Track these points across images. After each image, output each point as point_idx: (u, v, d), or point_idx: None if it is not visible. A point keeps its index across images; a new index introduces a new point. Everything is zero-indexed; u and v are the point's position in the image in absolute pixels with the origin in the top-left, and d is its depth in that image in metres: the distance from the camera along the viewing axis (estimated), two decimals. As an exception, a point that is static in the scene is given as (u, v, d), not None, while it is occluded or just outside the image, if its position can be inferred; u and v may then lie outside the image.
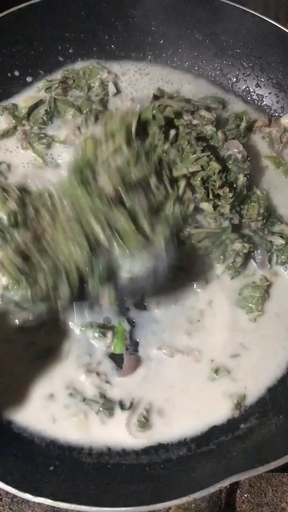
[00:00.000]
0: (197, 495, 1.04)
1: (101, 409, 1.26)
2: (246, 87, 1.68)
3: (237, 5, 1.55)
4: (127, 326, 1.35)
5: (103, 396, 1.28)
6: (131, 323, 1.36)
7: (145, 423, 1.25)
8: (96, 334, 1.32)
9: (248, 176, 1.42)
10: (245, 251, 1.39)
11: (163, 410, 1.28)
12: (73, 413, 1.25)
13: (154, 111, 1.34)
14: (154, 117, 1.34)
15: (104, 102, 1.61)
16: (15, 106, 1.59)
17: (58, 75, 1.63)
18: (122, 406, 1.27)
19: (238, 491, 1.39)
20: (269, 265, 1.45)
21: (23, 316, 1.30)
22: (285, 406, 1.28)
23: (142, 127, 1.32)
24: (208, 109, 1.52)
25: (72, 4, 1.59)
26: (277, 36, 1.55)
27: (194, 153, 1.34)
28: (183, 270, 1.40)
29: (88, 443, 1.23)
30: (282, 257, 1.45)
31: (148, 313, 1.37)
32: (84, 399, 1.27)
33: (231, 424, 1.28)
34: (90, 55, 1.66)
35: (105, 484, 1.15)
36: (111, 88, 1.62)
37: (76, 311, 1.23)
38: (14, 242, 1.16)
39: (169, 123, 1.37)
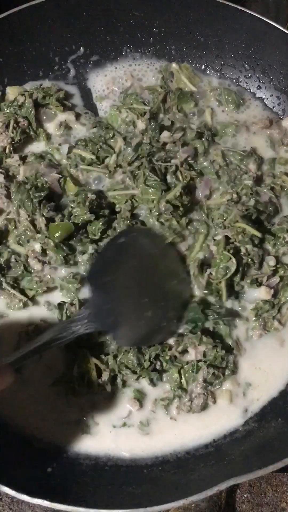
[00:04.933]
0: (195, 498, 1.04)
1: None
2: (248, 89, 1.66)
3: (238, 7, 1.54)
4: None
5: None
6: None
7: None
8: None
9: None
10: None
11: (164, 415, 1.27)
12: (72, 416, 1.25)
13: None
14: None
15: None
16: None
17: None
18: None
19: (238, 491, 1.40)
20: None
21: None
22: (284, 410, 1.28)
23: None
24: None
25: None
26: (278, 38, 1.53)
27: None
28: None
29: (86, 448, 1.23)
30: None
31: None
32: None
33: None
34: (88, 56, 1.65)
35: (103, 486, 1.16)
36: None
37: None
38: None
39: None
